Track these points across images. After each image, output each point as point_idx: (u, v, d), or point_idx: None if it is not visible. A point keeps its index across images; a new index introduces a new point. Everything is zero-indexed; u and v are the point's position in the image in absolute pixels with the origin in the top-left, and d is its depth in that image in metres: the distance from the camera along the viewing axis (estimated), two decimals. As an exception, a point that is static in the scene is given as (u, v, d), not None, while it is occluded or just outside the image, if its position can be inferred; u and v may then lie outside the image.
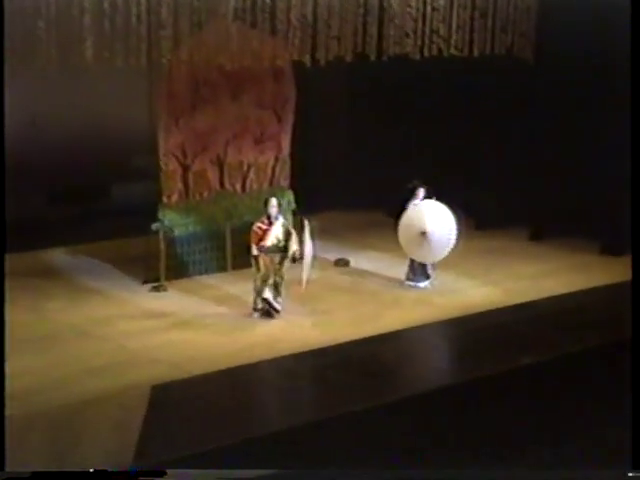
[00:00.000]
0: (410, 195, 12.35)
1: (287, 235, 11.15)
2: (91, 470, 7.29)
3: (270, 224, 11.11)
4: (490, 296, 12.09)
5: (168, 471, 7.24)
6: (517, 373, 9.64)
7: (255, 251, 11.12)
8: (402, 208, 12.33)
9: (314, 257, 11.46)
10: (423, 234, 12.08)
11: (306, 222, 11.45)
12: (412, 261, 12.51)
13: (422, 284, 12.47)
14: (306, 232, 11.29)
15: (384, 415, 8.58)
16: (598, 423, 9.16)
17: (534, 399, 9.26)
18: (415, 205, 12.32)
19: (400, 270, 12.99)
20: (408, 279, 12.54)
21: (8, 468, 7.32)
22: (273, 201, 11.21)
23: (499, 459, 8.39)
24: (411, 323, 10.92)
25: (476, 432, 8.73)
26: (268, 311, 11.14)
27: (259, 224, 11.16)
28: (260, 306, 11.17)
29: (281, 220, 11.26)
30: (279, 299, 11.17)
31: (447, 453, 8.44)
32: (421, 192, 12.33)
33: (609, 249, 13.66)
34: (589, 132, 13.95)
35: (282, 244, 11.12)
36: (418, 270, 12.50)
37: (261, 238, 11.10)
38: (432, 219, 12.17)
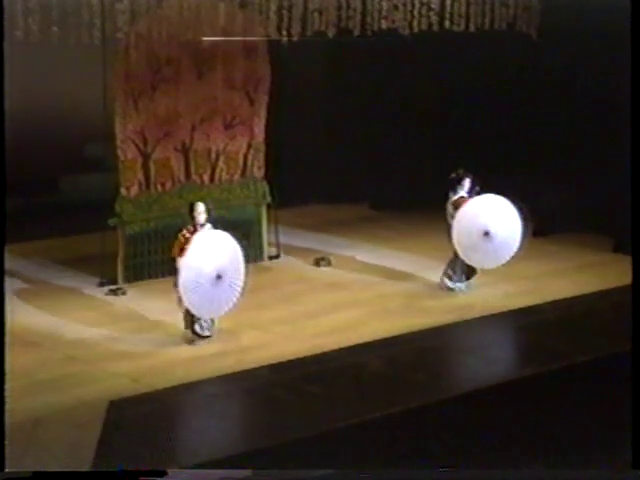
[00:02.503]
0: (453, 187, 12.09)
1: None
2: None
3: (194, 232, 10.46)
4: (488, 299, 12.03)
5: (169, 471, 7.50)
6: (518, 379, 9.78)
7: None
8: (445, 202, 12.07)
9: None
10: (486, 234, 11.92)
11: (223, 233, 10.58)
12: (454, 259, 12.22)
13: (462, 285, 12.28)
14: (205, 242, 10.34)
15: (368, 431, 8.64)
16: (598, 423, 9.24)
17: (533, 400, 9.35)
18: (475, 200, 12.00)
19: (389, 270, 13.06)
20: (450, 279, 12.29)
21: (8, 468, 7.47)
22: (200, 207, 10.52)
23: (499, 460, 8.47)
24: (398, 331, 10.82)
25: (475, 433, 8.82)
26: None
27: (184, 232, 10.54)
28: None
29: (208, 227, 10.56)
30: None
31: (447, 455, 8.55)
32: (467, 183, 12.07)
33: (624, 246, 13.66)
34: (602, 115, 14.02)
35: None
36: (459, 269, 12.29)
37: (183, 248, 10.40)
38: (496, 216, 11.97)
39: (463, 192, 12.08)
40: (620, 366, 8.88)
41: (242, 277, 10.46)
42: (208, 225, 10.60)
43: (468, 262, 12.17)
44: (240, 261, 10.48)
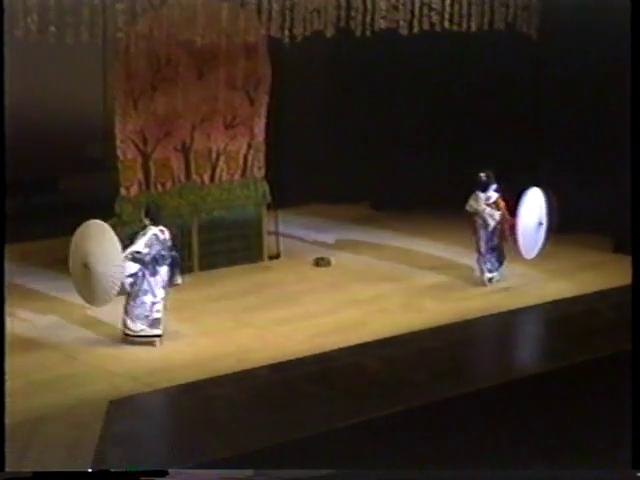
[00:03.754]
0: (484, 188, 12.51)
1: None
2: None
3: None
4: (489, 299, 12.05)
5: (170, 471, 7.52)
6: (518, 379, 9.80)
7: None
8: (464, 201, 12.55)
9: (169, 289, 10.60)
10: (540, 224, 12.58)
11: (150, 227, 10.56)
12: (485, 252, 12.61)
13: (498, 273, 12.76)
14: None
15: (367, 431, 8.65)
16: (598, 423, 9.27)
17: (533, 400, 9.38)
18: (531, 194, 12.57)
19: (389, 270, 13.04)
20: (489, 271, 12.64)
21: (8, 468, 7.49)
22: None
23: (499, 460, 8.49)
24: (398, 330, 10.82)
25: (475, 433, 8.83)
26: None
27: None
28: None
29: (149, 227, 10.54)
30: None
31: (447, 455, 8.54)
32: (494, 183, 12.59)
33: (624, 246, 13.63)
34: (602, 116, 14.01)
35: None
36: (492, 261, 12.67)
37: None
38: (544, 208, 12.71)
39: (492, 192, 12.49)
40: (620, 366, 8.88)
41: (115, 267, 10.17)
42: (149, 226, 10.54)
43: (525, 255, 12.59)
44: (112, 251, 10.22)
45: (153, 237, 10.46)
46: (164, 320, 10.59)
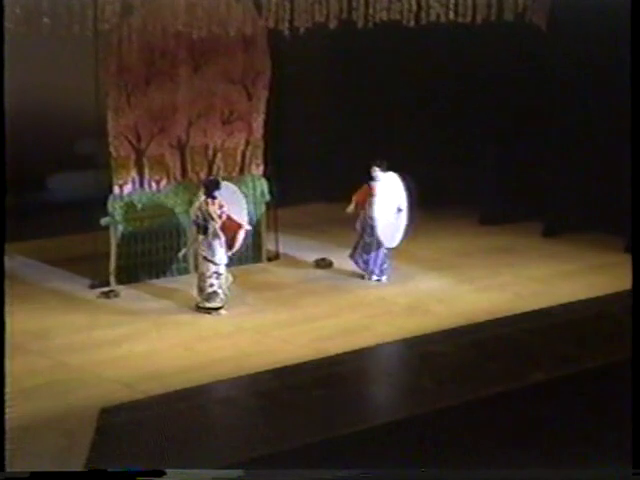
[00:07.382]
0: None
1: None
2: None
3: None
4: (497, 302, 11.98)
5: (167, 471, 7.59)
6: (525, 385, 9.77)
7: None
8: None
9: None
10: (399, 211, 12.70)
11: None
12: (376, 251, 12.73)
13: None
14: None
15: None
16: (599, 423, 9.22)
17: (533, 401, 9.41)
18: (385, 180, 12.81)
19: (391, 271, 12.93)
20: (373, 273, 12.74)
21: (8, 468, 7.59)
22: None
23: (499, 460, 8.45)
24: (404, 334, 10.79)
25: (478, 434, 8.81)
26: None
27: None
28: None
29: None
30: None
31: (448, 455, 8.52)
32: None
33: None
34: (616, 114, 13.90)
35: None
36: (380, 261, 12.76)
37: None
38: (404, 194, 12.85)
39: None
40: (620, 366, 8.93)
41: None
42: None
43: (386, 244, 12.74)
44: None
45: (196, 205, 11.53)
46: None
